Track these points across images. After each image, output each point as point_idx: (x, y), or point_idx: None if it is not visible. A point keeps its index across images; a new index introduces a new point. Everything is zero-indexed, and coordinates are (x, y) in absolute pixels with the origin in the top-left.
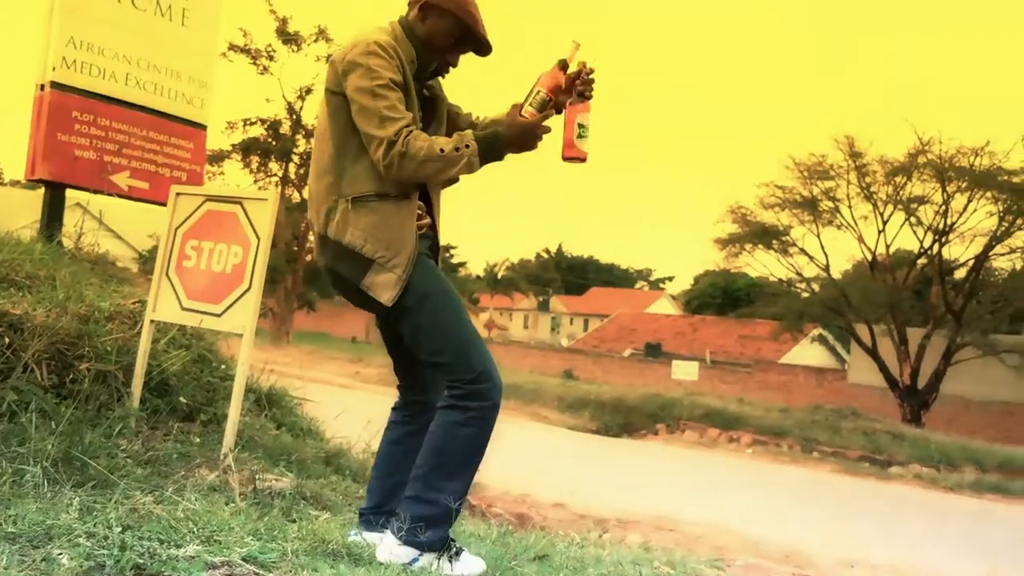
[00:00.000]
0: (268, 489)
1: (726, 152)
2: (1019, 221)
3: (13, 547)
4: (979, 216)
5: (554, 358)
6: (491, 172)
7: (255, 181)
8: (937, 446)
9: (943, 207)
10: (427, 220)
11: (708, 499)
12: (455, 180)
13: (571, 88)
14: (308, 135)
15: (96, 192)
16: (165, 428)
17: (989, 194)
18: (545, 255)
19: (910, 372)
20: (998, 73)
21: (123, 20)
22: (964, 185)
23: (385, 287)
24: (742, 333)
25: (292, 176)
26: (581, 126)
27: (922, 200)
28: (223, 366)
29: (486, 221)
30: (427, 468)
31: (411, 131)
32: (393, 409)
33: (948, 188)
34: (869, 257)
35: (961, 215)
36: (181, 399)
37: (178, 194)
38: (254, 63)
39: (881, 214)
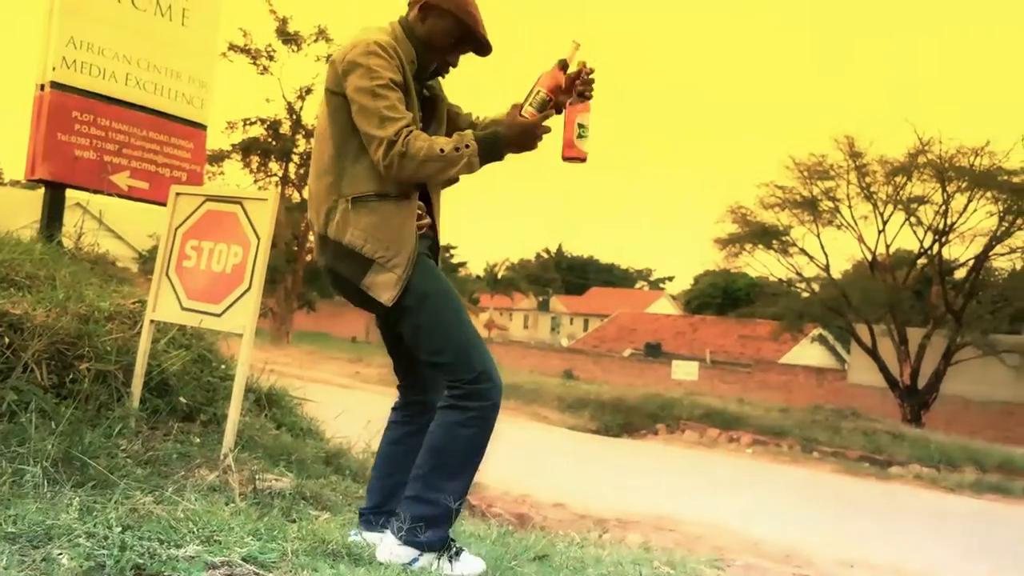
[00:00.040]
0: (268, 489)
1: (726, 152)
2: (1019, 221)
3: (13, 547)
4: (979, 216)
5: (554, 358)
6: (491, 172)
7: (255, 181)
8: (937, 446)
9: (943, 207)
10: (427, 220)
11: (708, 499)
12: (455, 180)
13: (571, 88)
14: (308, 135)
15: (96, 192)
16: (165, 428)
17: (989, 194)
18: (545, 255)
19: (910, 372)
20: (998, 73)
21: (123, 20)
22: (964, 185)
23: (385, 287)
24: (742, 333)
25: (292, 176)
26: (581, 126)
27: (922, 200)
28: (223, 366)
29: (486, 221)
30: (427, 468)
31: (411, 131)
32: (393, 409)
33: (948, 188)
34: (869, 257)
35: (961, 215)
36: (181, 399)
37: (178, 194)
38: (254, 63)
39: (881, 214)
